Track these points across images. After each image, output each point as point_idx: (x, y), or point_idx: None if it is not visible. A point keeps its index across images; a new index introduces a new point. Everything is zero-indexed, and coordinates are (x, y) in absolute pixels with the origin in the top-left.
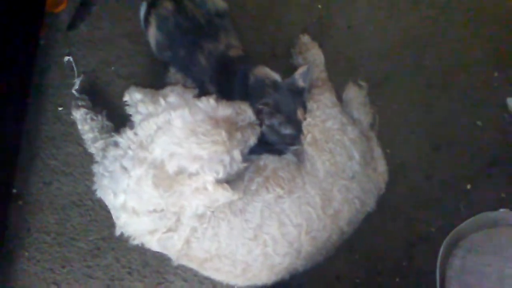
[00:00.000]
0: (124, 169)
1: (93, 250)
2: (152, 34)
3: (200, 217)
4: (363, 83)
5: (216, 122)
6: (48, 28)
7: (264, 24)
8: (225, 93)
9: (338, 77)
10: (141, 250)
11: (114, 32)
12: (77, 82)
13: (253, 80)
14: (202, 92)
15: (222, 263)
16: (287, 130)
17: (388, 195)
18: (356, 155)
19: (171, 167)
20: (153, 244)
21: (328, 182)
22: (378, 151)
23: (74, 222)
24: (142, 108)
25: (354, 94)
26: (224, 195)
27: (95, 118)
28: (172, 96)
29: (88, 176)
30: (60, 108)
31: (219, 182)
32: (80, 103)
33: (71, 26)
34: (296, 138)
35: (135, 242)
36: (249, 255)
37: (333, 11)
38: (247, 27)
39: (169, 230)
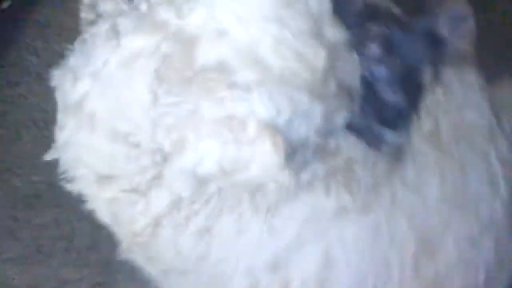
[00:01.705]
0: (114, 33)
1: None
2: None
3: (198, 183)
4: None
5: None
6: None
7: None
8: None
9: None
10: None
11: None
12: None
13: (360, 5)
14: None
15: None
16: (395, 98)
17: None
18: (503, 187)
19: (205, 54)
20: (101, 205)
21: (439, 216)
22: None
23: None
24: None
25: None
26: (268, 156)
27: None
28: None
29: None
30: None
31: (272, 128)
32: None
33: None
34: (402, 116)
35: (74, 188)
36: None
37: None
38: None
39: (134, 190)
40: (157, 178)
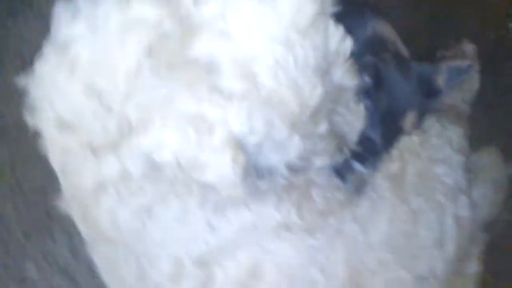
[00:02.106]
0: None
1: None
2: None
3: (151, 167)
4: None
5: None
6: None
7: None
8: None
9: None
10: None
11: None
12: None
13: (370, 34)
14: None
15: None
16: (372, 132)
17: None
18: (451, 247)
19: (201, 49)
20: (55, 150)
21: (377, 258)
22: (473, 268)
23: None
24: None
25: (492, 164)
26: (225, 168)
27: None
28: None
29: None
30: None
31: (238, 144)
32: None
33: None
34: (374, 152)
35: (34, 124)
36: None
37: None
38: None
39: (91, 147)
40: (116, 145)
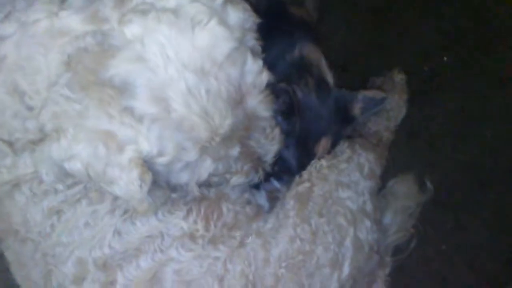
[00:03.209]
0: None
1: None
2: None
3: (63, 174)
4: (430, 186)
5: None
6: None
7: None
8: None
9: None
10: None
11: None
12: None
13: (296, 56)
14: None
15: None
16: (287, 152)
17: None
18: (346, 270)
19: (116, 69)
20: None
21: (273, 273)
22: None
23: None
24: None
25: (406, 191)
26: (131, 186)
27: None
28: None
29: None
30: None
31: (144, 164)
32: None
33: None
34: (287, 173)
35: None
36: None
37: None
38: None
39: (10, 143)
40: (34, 144)
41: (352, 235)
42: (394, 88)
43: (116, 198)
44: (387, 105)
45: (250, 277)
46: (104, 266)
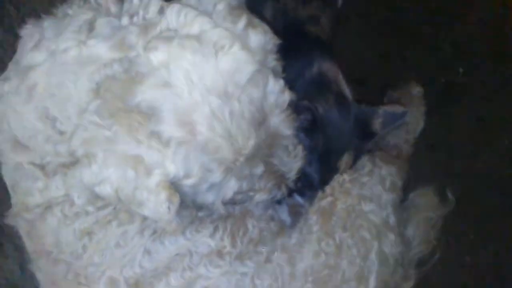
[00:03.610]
0: (89, 28)
1: None
2: None
3: (94, 197)
4: (451, 196)
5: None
6: None
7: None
8: None
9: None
10: None
11: None
12: None
13: (315, 74)
14: None
15: None
16: (310, 168)
17: None
18: (372, 284)
19: (143, 95)
20: (8, 167)
21: (301, 285)
22: None
23: None
24: None
25: (428, 203)
26: (159, 208)
27: None
28: None
29: None
30: None
31: (172, 186)
32: None
33: None
34: (310, 188)
35: None
36: None
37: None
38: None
39: (41, 167)
40: (65, 167)
41: (377, 248)
42: (412, 101)
43: (145, 218)
44: (407, 119)
45: None
46: (136, 285)
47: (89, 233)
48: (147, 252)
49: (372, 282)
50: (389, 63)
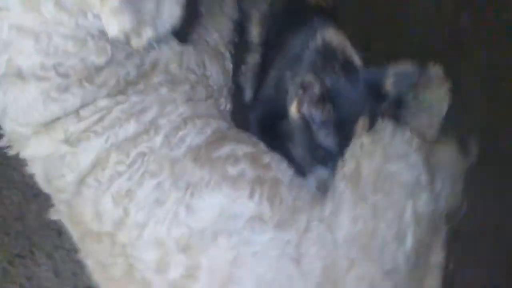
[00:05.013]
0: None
1: None
2: None
3: None
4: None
5: None
6: None
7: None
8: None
9: None
10: None
11: None
12: None
13: (320, 43)
14: None
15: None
16: (327, 140)
17: None
18: (410, 241)
19: None
20: (38, 164)
21: (345, 254)
22: (437, 257)
23: None
24: None
25: (448, 159)
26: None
27: None
28: None
29: None
30: None
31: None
32: None
33: None
34: (332, 158)
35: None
36: None
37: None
38: None
39: (66, 140)
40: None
41: (411, 208)
42: (433, 83)
43: (173, 167)
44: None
45: (326, 260)
46: (185, 248)
47: (127, 193)
48: (190, 208)
49: (409, 242)
50: (392, 30)
